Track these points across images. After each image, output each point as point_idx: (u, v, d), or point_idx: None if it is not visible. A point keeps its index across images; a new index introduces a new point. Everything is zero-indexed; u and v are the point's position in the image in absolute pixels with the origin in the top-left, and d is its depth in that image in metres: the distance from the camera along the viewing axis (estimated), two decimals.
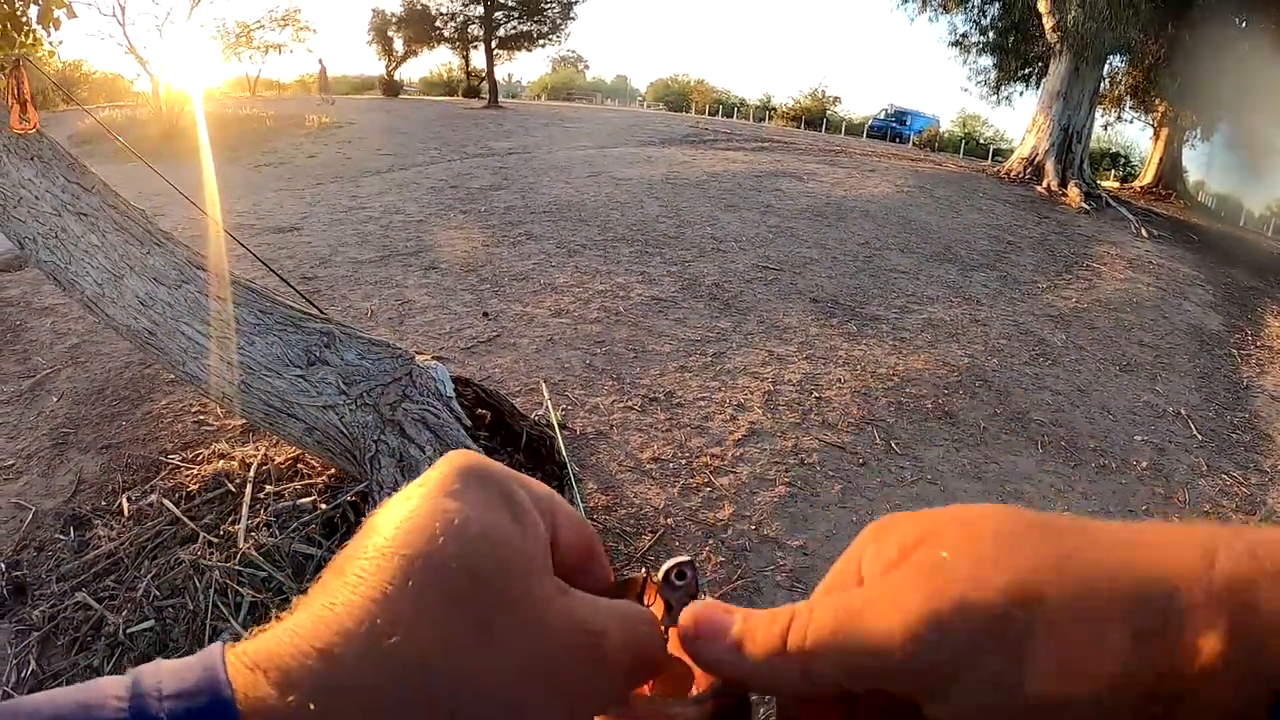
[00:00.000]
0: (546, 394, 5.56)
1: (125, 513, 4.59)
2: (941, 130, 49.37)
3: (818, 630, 0.40)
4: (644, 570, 0.51)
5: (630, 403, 5.77)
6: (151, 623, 3.52)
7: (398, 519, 0.43)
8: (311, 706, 0.35)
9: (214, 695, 0.36)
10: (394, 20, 50.23)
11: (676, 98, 69.79)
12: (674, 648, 0.49)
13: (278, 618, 0.41)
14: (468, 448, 3.47)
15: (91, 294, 4.08)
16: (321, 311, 4.30)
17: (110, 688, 0.35)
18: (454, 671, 0.38)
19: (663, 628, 0.49)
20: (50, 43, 7.25)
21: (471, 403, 4.06)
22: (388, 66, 52.30)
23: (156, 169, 5.13)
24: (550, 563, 0.45)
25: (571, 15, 48.74)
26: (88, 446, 5.74)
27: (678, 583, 0.49)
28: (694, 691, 0.50)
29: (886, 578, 0.41)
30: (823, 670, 0.40)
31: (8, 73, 4.25)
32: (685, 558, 0.50)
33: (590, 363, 6.37)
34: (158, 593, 3.70)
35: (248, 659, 0.38)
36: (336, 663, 0.37)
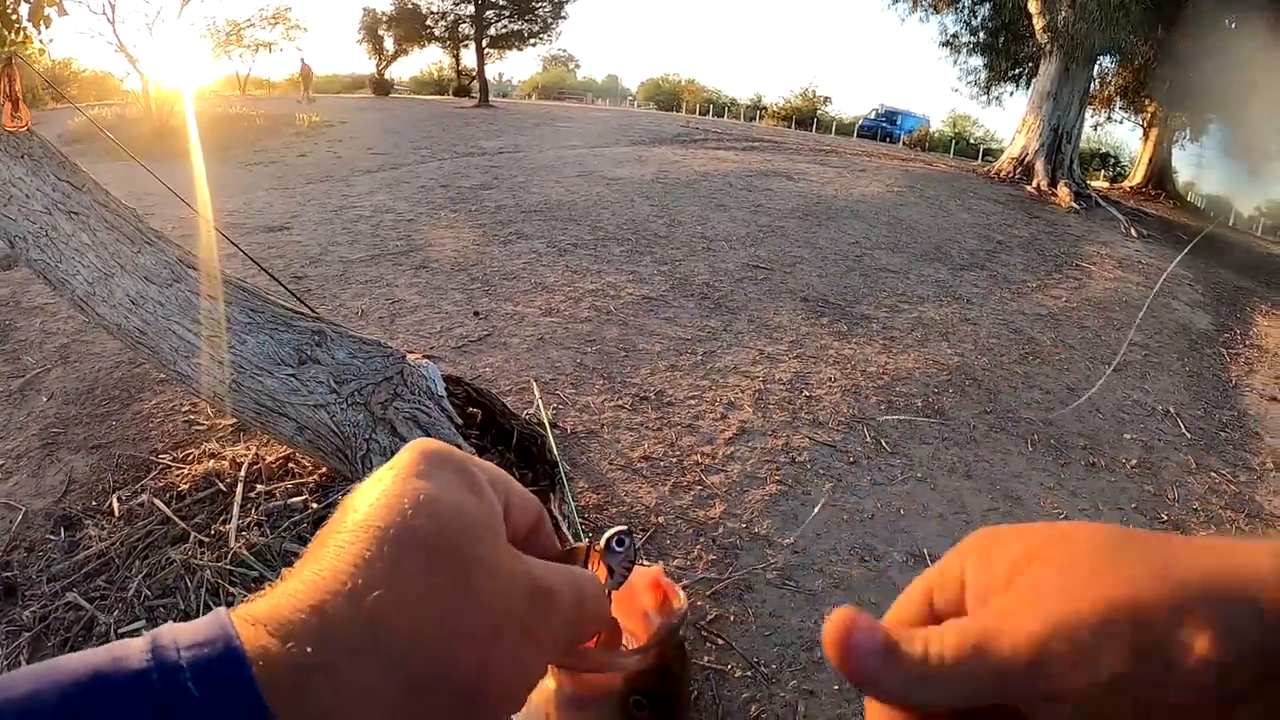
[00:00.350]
0: (537, 393, 5.56)
1: (116, 513, 4.58)
2: (932, 130, 49.49)
3: (955, 650, 0.42)
4: (586, 540, 0.57)
5: (621, 401, 5.78)
6: (143, 623, 3.51)
7: (372, 497, 0.48)
8: (309, 650, 0.40)
9: (226, 644, 0.39)
10: (385, 19, 50.17)
11: (667, 97, 69.82)
12: (614, 609, 0.56)
13: (270, 586, 0.45)
14: (459, 446, 3.48)
15: (82, 293, 4.08)
16: (312, 310, 4.29)
17: (133, 644, 0.39)
18: (434, 620, 0.43)
19: (606, 591, 0.54)
20: (41, 40, 7.23)
21: (463, 401, 4.06)
22: (378, 65, 52.22)
23: (148, 167, 5.13)
24: (505, 531, 0.50)
25: (562, 14, 48.72)
26: (78, 446, 5.72)
27: (617, 549, 0.55)
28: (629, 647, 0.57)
29: (1009, 596, 0.43)
30: (955, 688, 0.42)
31: (0, 71, 4.23)
32: (623, 527, 0.56)
33: (581, 361, 6.38)
34: (149, 593, 3.70)
35: (250, 617, 0.41)
36: (327, 616, 0.41)
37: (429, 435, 3.57)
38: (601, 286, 8.22)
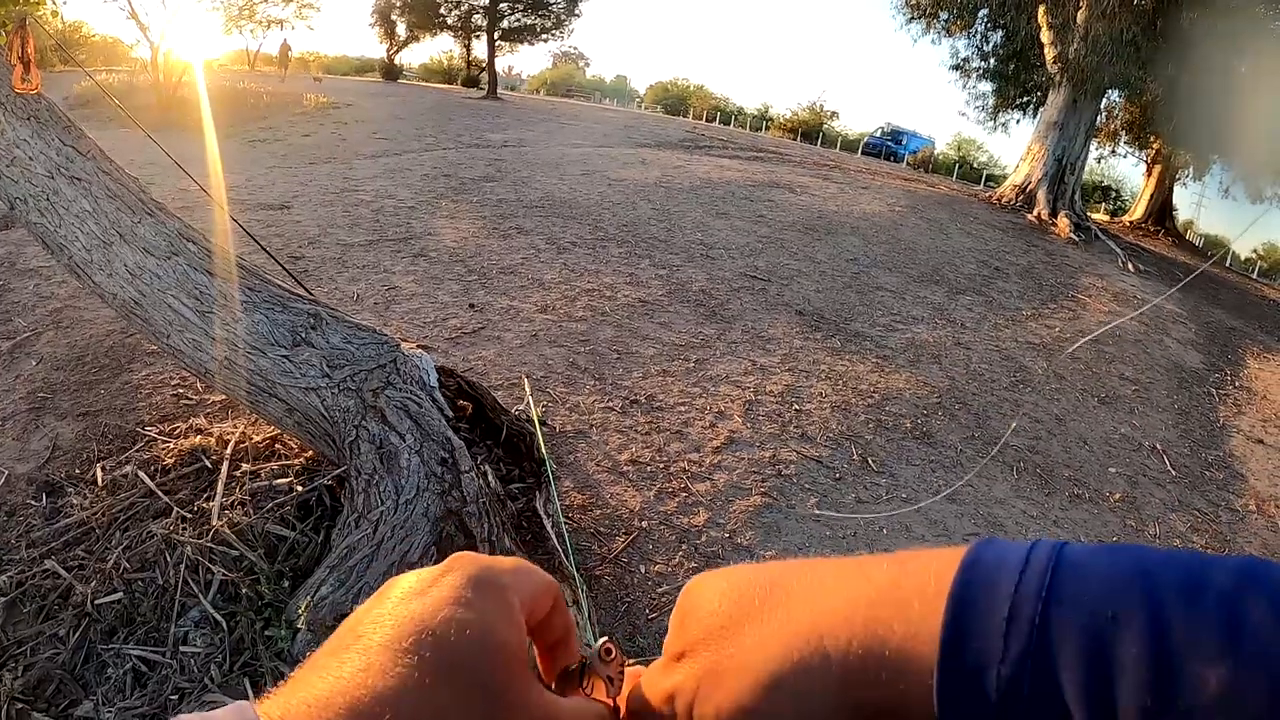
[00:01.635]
0: (528, 389, 5.56)
1: (99, 482, 4.55)
2: (936, 152, 49.51)
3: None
4: (581, 655, 0.62)
5: (611, 403, 5.78)
6: (120, 595, 3.49)
7: (414, 611, 0.51)
8: None
9: None
10: (398, 4, 50.13)
11: (675, 101, 69.80)
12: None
13: (291, 676, 0.50)
14: (448, 438, 3.49)
15: (80, 259, 4.05)
16: (309, 292, 4.28)
17: None
18: None
19: (612, 702, 0.60)
20: (53, 2, 7.26)
21: (454, 393, 4.06)
22: (389, 50, 52.22)
23: (154, 137, 5.12)
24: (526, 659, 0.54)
25: (576, 11, 48.75)
26: (64, 413, 5.70)
27: (607, 659, 0.61)
28: None
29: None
30: None
31: (11, 32, 4.22)
32: (605, 639, 0.61)
33: (574, 361, 6.37)
34: (128, 565, 3.67)
35: (277, 716, 0.45)
36: None
37: (419, 426, 3.58)
38: (598, 287, 8.22)
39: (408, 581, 0.54)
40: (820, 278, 9.92)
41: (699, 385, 6.27)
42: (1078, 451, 6.60)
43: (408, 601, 0.51)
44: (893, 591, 0.45)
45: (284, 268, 4.71)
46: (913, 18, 24.28)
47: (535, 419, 4.79)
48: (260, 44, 47.73)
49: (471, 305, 7.35)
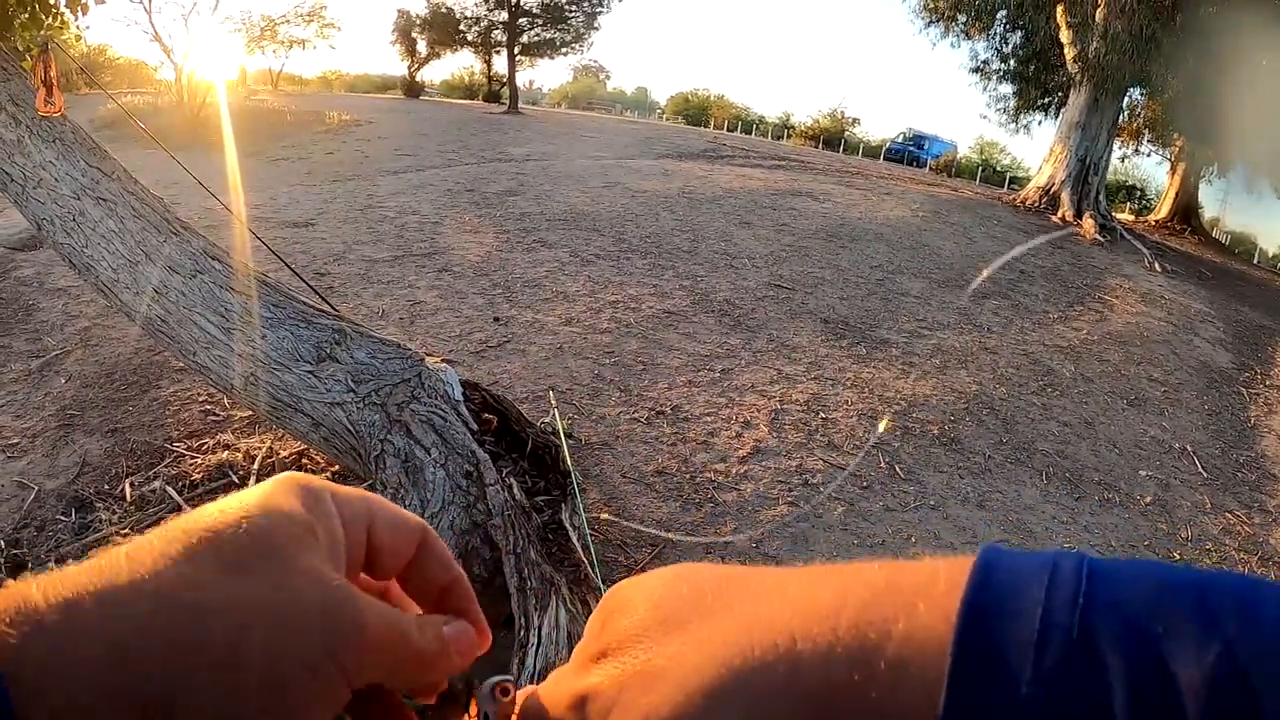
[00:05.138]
0: (554, 402, 5.56)
1: (128, 498, 4.63)
2: (959, 156, 49.38)
3: None
4: (466, 681, 0.52)
5: (637, 414, 5.78)
6: None
7: (204, 519, 0.44)
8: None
9: None
10: (418, 21, 50.51)
11: (695, 112, 69.85)
12: None
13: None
14: (473, 451, 3.49)
15: (107, 279, 4.11)
16: (334, 309, 4.31)
17: None
18: (206, 602, 0.41)
19: None
20: (77, 26, 7.33)
21: (479, 407, 4.06)
22: (410, 67, 52.56)
23: (177, 158, 5.16)
24: (343, 557, 0.47)
25: (595, 25, 48.98)
26: (93, 429, 5.78)
27: (501, 698, 0.50)
28: None
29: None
30: None
31: (35, 56, 4.27)
32: (509, 677, 0.51)
33: (599, 373, 6.38)
34: None
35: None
36: (76, 608, 0.38)
37: (444, 439, 3.58)
38: (623, 298, 8.23)
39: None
40: (845, 285, 9.89)
41: (725, 395, 6.26)
42: (1107, 455, 6.55)
43: (207, 511, 0.45)
44: (891, 593, 0.38)
45: (308, 284, 4.74)
46: (931, 21, 24.21)
47: (561, 431, 4.79)
48: (283, 64, 48.14)
49: (496, 319, 7.38)
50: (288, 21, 42.50)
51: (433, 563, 0.53)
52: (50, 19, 6.28)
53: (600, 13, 48.73)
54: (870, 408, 6.42)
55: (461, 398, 3.91)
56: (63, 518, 4.69)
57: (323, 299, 4.45)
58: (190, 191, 5.61)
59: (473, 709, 0.51)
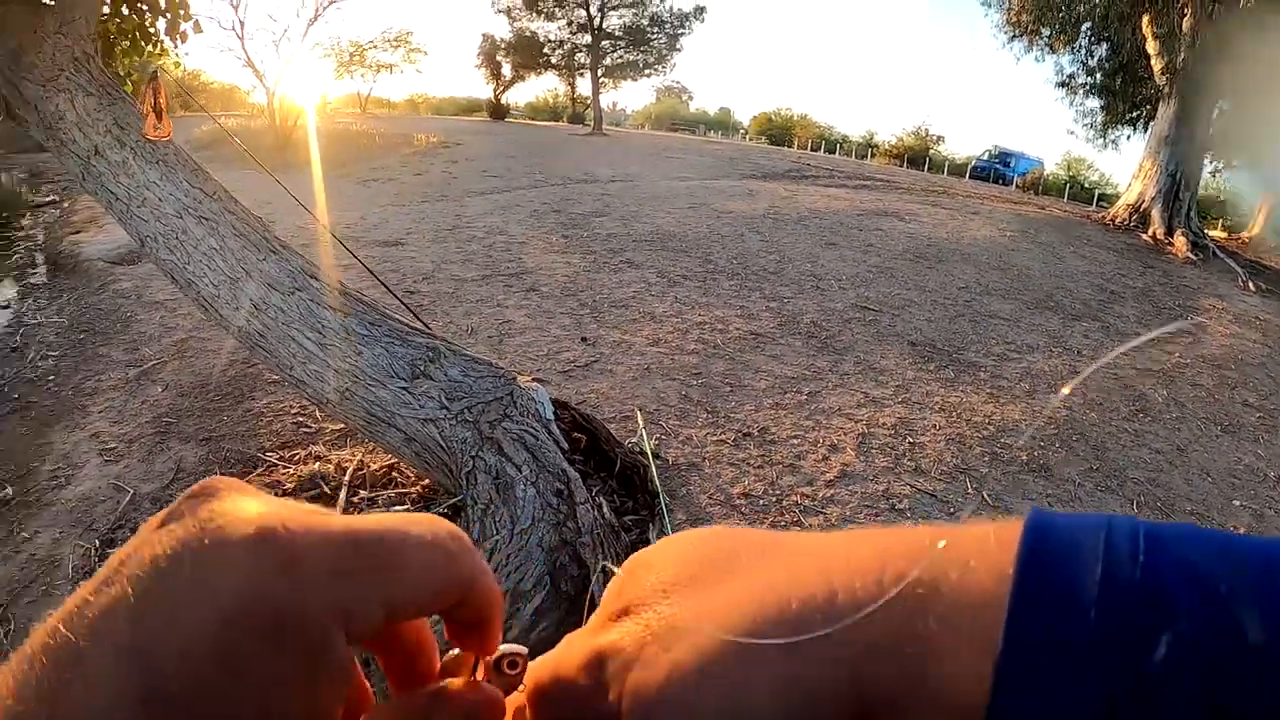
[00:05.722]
0: (641, 422, 5.57)
1: None
2: (1046, 173, 48.68)
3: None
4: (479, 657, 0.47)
5: (724, 436, 5.77)
6: None
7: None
8: None
9: None
10: (503, 45, 51.25)
11: (779, 132, 69.81)
12: None
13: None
14: (564, 470, 3.51)
15: (208, 294, 4.23)
16: (427, 327, 4.37)
17: None
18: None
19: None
20: (177, 54, 7.61)
21: (569, 426, 4.09)
22: (495, 90, 53.30)
23: (277, 178, 5.29)
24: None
25: (677, 46, 49.30)
26: (188, 437, 5.93)
27: (509, 671, 0.46)
28: None
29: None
30: None
31: (145, 83, 4.42)
32: (522, 650, 0.47)
33: (686, 394, 6.38)
34: None
35: None
36: None
37: (535, 457, 3.61)
38: (709, 320, 8.23)
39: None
40: (932, 307, 9.79)
41: (811, 418, 6.23)
42: (1200, 483, 6.39)
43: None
44: (939, 550, 0.35)
45: (404, 304, 4.82)
46: (1014, 35, 23.90)
47: (648, 451, 4.80)
48: (371, 88, 49.10)
49: (584, 339, 7.43)
50: (375, 47, 43.43)
51: (480, 597, 0.43)
52: (151, 46, 6.56)
53: (682, 34, 49.08)
54: (958, 433, 6.34)
55: (553, 416, 3.94)
56: None
57: (417, 318, 4.51)
58: (284, 210, 5.75)
59: (479, 673, 0.46)
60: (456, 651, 0.46)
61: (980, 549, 0.34)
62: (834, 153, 53.76)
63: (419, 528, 0.40)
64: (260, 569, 0.34)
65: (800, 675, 0.34)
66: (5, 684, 0.32)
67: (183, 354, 7.69)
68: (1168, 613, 0.30)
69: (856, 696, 0.34)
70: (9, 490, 5.76)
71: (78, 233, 16.67)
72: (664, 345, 7.39)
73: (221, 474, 4.52)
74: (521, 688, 0.45)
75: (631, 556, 0.47)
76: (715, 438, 5.73)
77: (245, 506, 0.37)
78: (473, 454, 3.67)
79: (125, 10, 6.21)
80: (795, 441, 5.84)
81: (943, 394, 7.07)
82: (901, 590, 0.34)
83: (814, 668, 0.34)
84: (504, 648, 0.46)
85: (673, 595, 0.41)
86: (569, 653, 0.43)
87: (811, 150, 52.82)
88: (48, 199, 25.91)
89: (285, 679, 0.34)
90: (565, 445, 3.82)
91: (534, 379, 4.27)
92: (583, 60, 49.40)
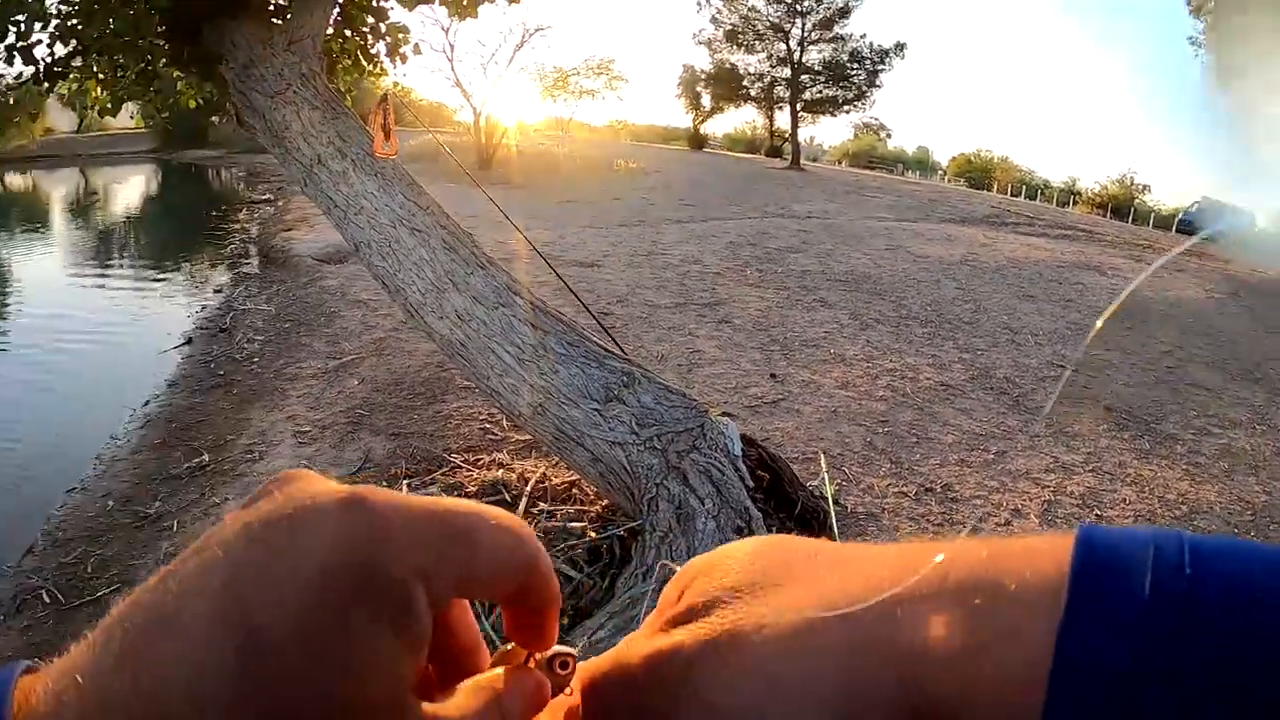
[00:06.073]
0: (824, 465, 5.52)
1: None
2: (1258, 228, 46.23)
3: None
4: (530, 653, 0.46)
5: (905, 488, 5.66)
6: None
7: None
8: None
9: None
10: (703, 76, 51.76)
11: (978, 174, 68.32)
12: None
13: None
14: (746, 508, 3.51)
15: (415, 301, 4.43)
16: (624, 352, 4.44)
17: None
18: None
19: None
20: (395, 75, 8.04)
21: (754, 463, 4.08)
22: (695, 120, 53.82)
23: (489, 195, 5.48)
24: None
25: (876, 83, 48.99)
26: (379, 430, 6.20)
27: (559, 671, 0.45)
28: None
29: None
30: None
31: (375, 105, 4.71)
32: (573, 650, 0.46)
33: (871, 441, 6.30)
34: None
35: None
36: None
37: (719, 491, 3.62)
38: (900, 367, 8.12)
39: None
40: (1131, 370, 9.41)
41: (997, 479, 6.05)
42: None
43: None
44: (996, 560, 0.36)
45: (604, 328, 4.91)
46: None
47: (829, 497, 4.75)
48: (573, 112, 50.24)
49: (773, 375, 7.43)
50: (578, 73, 44.29)
51: (539, 581, 0.44)
52: (371, 66, 6.97)
53: (882, 70, 48.74)
54: (1149, 509, 6.07)
55: (740, 453, 3.94)
56: None
57: (615, 343, 4.59)
58: (486, 226, 5.94)
59: (530, 663, 0.45)
60: (510, 646, 0.46)
61: (1035, 562, 0.35)
62: (1034, 198, 52.28)
63: (491, 511, 0.41)
64: (353, 529, 0.36)
65: (860, 674, 0.36)
66: (79, 660, 0.34)
67: (381, 352, 8.02)
68: (1213, 625, 0.31)
69: (914, 699, 0.35)
70: (205, 457, 6.15)
71: (289, 230, 17.58)
72: (852, 389, 7.32)
73: (407, 468, 4.75)
74: (569, 690, 0.45)
75: (690, 561, 0.47)
76: (897, 489, 5.64)
77: (329, 484, 0.39)
78: (657, 481, 3.71)
79: (349, 32, 6.60)
80: (978, 502, 5.70)
81: (1136, 466, 6.78)
82: (959, 596, 0.35)
83: (873, 668, 0.35)
84: (556, 648, 0.46)
85: (734, 601, 0.41)
86: (628, 651, 0.44)
87: (1011, 195, 51.47)
88: (264, 197, 27.51)
89: (373, 631, 0.35)
90: (750, 483, 3.82)
91: (725, 413, 4.29)
92: (782, 94, 49.46)
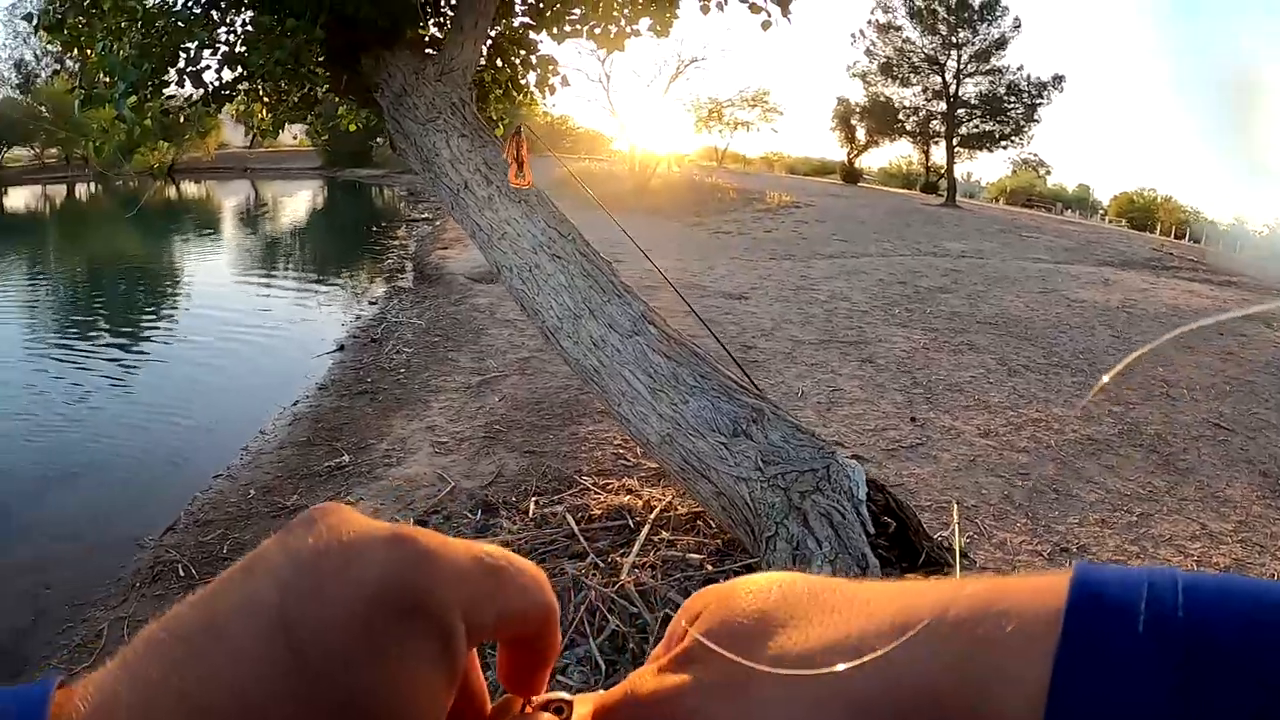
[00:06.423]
0: (956, 517, 5.38)
1: (530, 514, 5.11)
2: None
3: None
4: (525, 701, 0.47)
5: (1040, 547, 5.45)
6: None
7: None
8: None
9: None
10: (858, 109, 51.49)
11: (1140, 214, 65.96)
12: None
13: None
14: (864, 555, 3.44)
15: (551, 325, 4.54)
16: (756, 388, 4.42)
17: None
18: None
19: None
20: (545, 105, 8.36)
21: (879, 509, 4.00)
22: (849, 153, 53.53)
23: (621, 224, 5.58)
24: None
25: (1035, 117, 48.01)
26: (514, 447, 6.34)
27: (556, 717, 0.45)
28: None
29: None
30: None
31: (509, 136, 4.94)
32: (569, 696, 0.46)
33: (1008, 494, 6.09)
34: None
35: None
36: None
37: (838, 535, 3.56)
38: (1045, 417, 7.85)
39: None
40: None
41: (1138, 543, 5.78)
42: None
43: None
44: (995, 601, 0.36)
45: (737, 363, 4.90)
46: None
47: (957, 550, 4.63)
48: (728, 143, 50.54)
49: (913, 419, 7.30)
50: (733, 105, 44.50)
51: (548, 634, 0.46)
52: (522, 96, 7.24)
53: (1040, 104, 47.73)
54: None
55: (865, 497, 3.87)
56: (469, 515, 5.25)
57: (747, 376, 4.57)
58: (633, 254, 5.98)
59: (528, 709, 0.47)
60: (507, 696, 0.47)
61: (1033, 602, 0.36)
62: (1199, 242, 50.26)
63: (516, 556, 0.43)
64: (401, 563, 0.37)
65: (864, 711, 0.36)
66: (118, 673, 0.34)
67: (524, 371, 8.17)
68: (1207, 662, 0.32)
69: None
70: (346, 458, 6.41)
71: (445, 249, 18.11)
72: (994, 438, 7.11)
73: (537, 486, 4.89)
74: None
75: (692, 597, 0.48)
76: (1030, 547, 5.44)
77: (369, 520, 0.40)
78: (778, 520, 3.67)
79: (500, 63, 6.87)
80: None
81: None
82: (958, 638, 0.36)
83: (882, 714, 0.36)
84: (550, 695, 0.47)
85: (736, 643, 0.41)
86: (638, 685, 0.44)
87: (1175, 238, 49.55)
88: (423, 216, 28.54)
89: (416, 661, 0.36)
90: (871, 529, 3.75)
91: (854, 456, 4.23)
92: (937, 128, 48.89)
